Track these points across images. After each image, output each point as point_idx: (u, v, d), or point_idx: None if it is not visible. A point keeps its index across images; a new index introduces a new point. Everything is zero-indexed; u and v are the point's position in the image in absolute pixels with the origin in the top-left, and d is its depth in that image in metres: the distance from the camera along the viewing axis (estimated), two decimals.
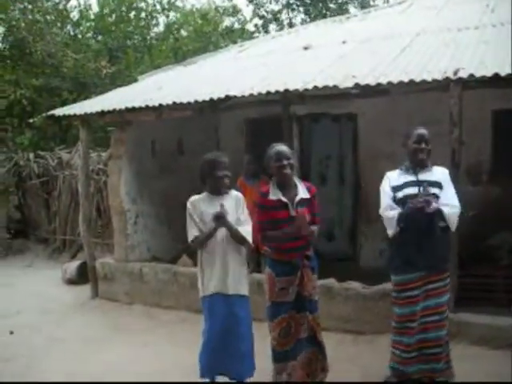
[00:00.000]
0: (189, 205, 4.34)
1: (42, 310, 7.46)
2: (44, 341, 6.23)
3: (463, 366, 4.68)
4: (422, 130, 4.33)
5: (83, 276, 8.58)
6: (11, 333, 6.46)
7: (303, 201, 4.19)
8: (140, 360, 5.49)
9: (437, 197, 4.17)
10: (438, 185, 4.24)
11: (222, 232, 4.26)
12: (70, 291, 8.51)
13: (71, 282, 8.88)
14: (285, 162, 4.13)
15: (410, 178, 4.30)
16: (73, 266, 9.08)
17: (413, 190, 4.21)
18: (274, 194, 4.19)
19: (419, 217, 4.10)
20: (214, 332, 4.26)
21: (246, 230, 4.32)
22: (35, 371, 5.34)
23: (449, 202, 4.20)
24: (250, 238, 4.32)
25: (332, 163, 9.31)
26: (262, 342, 4.46)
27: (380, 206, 4.37)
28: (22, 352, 5.86)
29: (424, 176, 4.26)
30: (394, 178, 4.38)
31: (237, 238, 4.28)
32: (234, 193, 4.47)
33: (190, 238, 4.32)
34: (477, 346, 5.21)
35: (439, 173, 4.34)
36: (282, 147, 4.24)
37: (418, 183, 4.23)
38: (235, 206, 4.38)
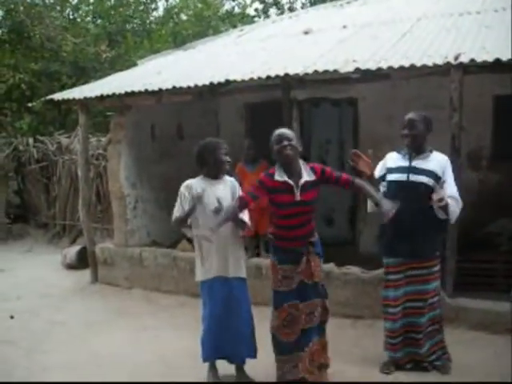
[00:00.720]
0: (183, 187, 4.38)
1: (41, 295, 7.48)
2: (44, 325, 6.25)
3: (461, 350, 4.73)
4: (410, 115, 4.30)
5: (83, 261, 8.60)
6: (11, 317, 6.49)
7: (308, 183, 4.06)
8: (140, 343, 5.52)
9: (426, 186, 4.14)
10: (431, 174, 4.18)
11: (219, 215, 4.25)
12: (69, 276, 8.53)
13: (71, 266, 8.90)
14: (285, 143, 4.01)
15: (404, 163, 4.29)
16: (72, 250, 9.10)
17: (401, 177, 4.23)
18: (280, 176, 4.07)
19: (402, 203, 4.07)
20: (214, 316, 4.28)
21: (244, 216, 4.35)
22: (37, 353, 5.37)
23: (450, 194, 4.14)
24: (247, 221, 4.38)
25: (332, 148, 9.29)
26: (260, 325, 4.47)
27: None
28: (23, 335, 5.89)
29: (418, 163, 4.24)
30: (391, 159, 4.41)
31: (238, 224, 4.32)
32: (228, 179, 4.50)
33: (175, 215, 4.37)
34: (475, 330, 5.25)
35: (436, 161, 4.26)
36: (284, 130, 4.17)
37: (408, 170, 4.23)
38: (231, 191, 4.41)
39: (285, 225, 4.14)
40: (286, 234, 4.16)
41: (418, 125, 4.23)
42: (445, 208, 4.09)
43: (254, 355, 4.38)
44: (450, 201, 4.09)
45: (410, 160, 4.27)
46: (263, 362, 4.42)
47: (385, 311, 4.42)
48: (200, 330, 4.44)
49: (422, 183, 4.17)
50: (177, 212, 4.35)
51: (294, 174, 4.08)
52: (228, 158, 4.40)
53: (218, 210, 4.24)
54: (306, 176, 4.08)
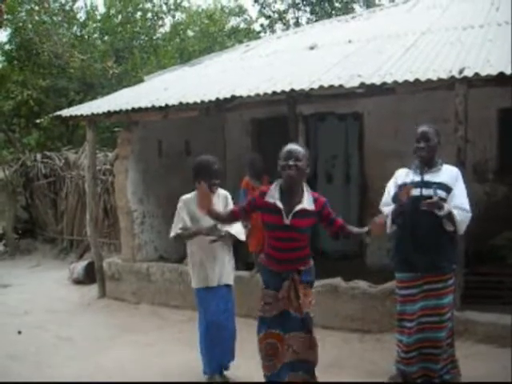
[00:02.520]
0: (180, 202, 4.63)
1: (49, 310, 7.50)
2: (52, 340, 6.27)
3: (469, 364, 4.70)
4: (423, 128, 4.28)
5: (90, 276, 8.62)
6: (19, 332, 6.50)
7: (304, 212, 3.79)
8: (147, 358, 5.52)
9: (442, 199, 4.10)
10: (445, 187, 4.16)
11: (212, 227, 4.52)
12: (77, 291, 8.55)
13: (78, 281, 8.92)
14: (291, 163, 3.71)
15: (416, 178, 4.25)
16: (80, 265, 9.12)
17: (415, 192, 4.16)
18: (271, 197, 3.83)
19: (418, 217, 4.08)
20: (209, 322, 4.54)
21: (237, 230, 4.61)
22: (43, 369, 5.38)
23: (459, 206, 4.12)
24: (242, 236, 4.67)
25: (338, 162, 9.30)
26: None
27: None
28: (31, 350, 5.90)
29: (430, 177, 4.21)
30: (402, 176, 4.36)
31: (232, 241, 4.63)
32: (221, 192, 4.70)
33: (172, 233, 4.65)
34: (483, 344, 5.22)
35: (447, 173, 4.24)
36: (295, 146, 3.87)
37: (421, 184, 4.19)
38: (223, 204, 4.62)
39: (273, 245, 3.93)
40: (273, 254, 3.94)
41: (432, 137, 4.23)
42: (450, 218, 4.08)
43: (232, 358, 4.72)
44: (456, 211, 4.08)
45: (422, 174, 4.24)
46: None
47: (400, 325, 4.35)
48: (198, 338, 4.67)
49: (439, 197, 4.13)
50: (175, 227, 4.63)
51: (293, 196, 3.83)
52: (216, 181, 4.60)
53: (211, 230, 4.52)
54: (305, 203, 3.81)
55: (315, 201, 3.86)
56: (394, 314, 5.42)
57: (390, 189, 4.39)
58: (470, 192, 4.31)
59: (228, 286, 4.68)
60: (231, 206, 4.62)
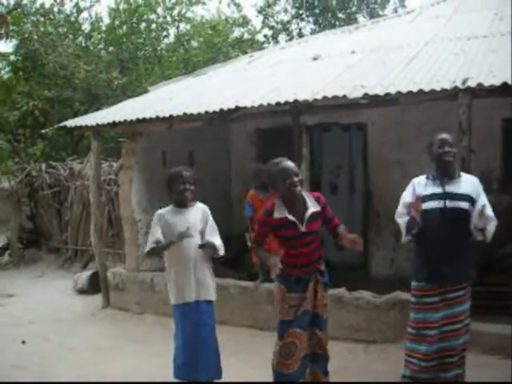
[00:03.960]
0: (155, 216, 4.51)
1: (53, 320, 7.51)
2: (56, 350, 6.27)
3: (475, 375, 4.66)
4: (445, 135, 4.19)
5: (95, 286, 8.62)
6: (23, 342, 6.51)
7: (314, 214, 4.04)
8: (151, 369, 5.51)
9: (464, 210, 4.05)
10: (467, 197, 4.09)
11: (190, 243, 4.36)
12: (81, 301, 8.55)
13: (83, 291, 8.93)
14: (295, 179, 3.94)
15: (437, 189, 4.14)
16: (84, 275, 9.13)
17: (437, 204, 4.09)
18: (280, 212, 4.01)
19: (443, 227, 4.04)
20: (186, 338, 4.40)
21: (219, 243, 4.47)
22: (47, 379, 5.38)
23: (490, 216, 4.06)
24: (222, 252, 4.48)
25: (342, 172, 9.32)
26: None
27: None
28: (35, 360, 5.91)
29: (451, 188, 4.12)
30: (420, 187, 4.22)
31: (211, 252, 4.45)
32: (199, 205, 4.58)
33: (147, 247, 4.46)
34: (488, 355, 5.20)
35: (468, 184, 4.17)
36: (288, 163, 4.05)
37: (443, 196, 4.10)
38: (201, 217, 4.49)
39: (294, 254, 4.08)
40: (295, 262, 4.08)
41: (454, 143, 4.18)
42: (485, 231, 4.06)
43: (219, 376, 4.48)
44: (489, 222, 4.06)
45: (443, 185, 4.15)
46: None
47: (418, 334, 4.23)
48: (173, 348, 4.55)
49: (460, 209, 4.08)
50: (151, 244, 4.44)
51: (298, 205, 4.04)
52: (190, 186, 4.44)
53: (181, 236, 4.34)
54: (312, 207, 4.05)
55: (317, 201, 4.12)
56: (398, 324, 5.44)
57: (405, 199, 4.25)
58: None
59: (209, 301, 4.47)
60: (211, 220, 4.51)
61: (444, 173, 4.16)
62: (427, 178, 4.24)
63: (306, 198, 4.08)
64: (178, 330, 4.46)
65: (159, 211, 4.56)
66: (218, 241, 4.46)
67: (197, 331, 4.34)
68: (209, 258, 4.49)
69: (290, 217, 3.99)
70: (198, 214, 4.50)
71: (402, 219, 4.22)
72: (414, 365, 4.27)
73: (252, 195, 6.87)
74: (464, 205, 4.07)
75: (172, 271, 4.46)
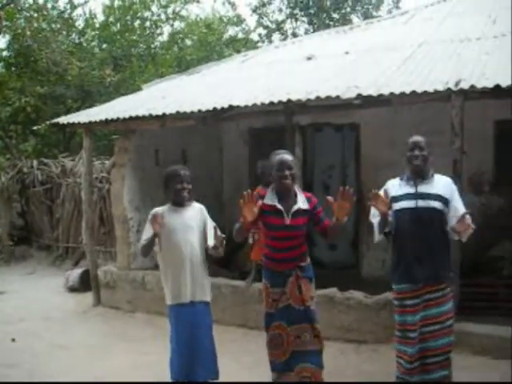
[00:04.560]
0: (150, 214, 4.37)
1: (44, 318, 7.48)
2: (46, 348, 6.25)
3: (465, 376, 4.69)
4: (416, 138, 4.24)
5: (85, 283, 8.60)
6: (13, 340, 6.48)
7: (300, 211, 4.12)
8: (141, 368, 5.50)
9: (436, 210, 4.09)
10: (439, 197, 4.13)
11: (186, 242, 4.29)
12: (72, 299, 8.53)
13: (73, 289, 8.90)
14: (286, 173, 4.05)
15: (410, 189, 4.21)
16: (75, 273, 9.11)
17: (409, 204, 4.15)
18: (270, 200, 4.14)
19: (418, 228, 4.07)
20: (180, 340, 4.31)
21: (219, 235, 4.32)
22: (38, 377, 5.36)
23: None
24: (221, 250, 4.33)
25: (335, 172, 9.33)
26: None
27: None
28: (25, 358, 5.88)
29: (424, 188, 4.17)
30: (394, 187, 4.30)
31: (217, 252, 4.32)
32: (196, 205, 4.49)
33: (140, 244, 4.41)
34: (478, 355, 5.23)
35: (441, 184, 4.21)
36: (286, 156, 4.16)
37: (415, 196, 4.15)
38: (199, 217, 4.41)
39: (274, 246, 4.21)
40: (275, 256, 4.22)
41: (425, 146, 4.19)
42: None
43: (216, 377, 4.39)
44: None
45: (416, 186, 4.20)
46: None
47: (403, 336, 4.26)
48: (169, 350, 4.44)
49: (432, 208, 4.12)
50: (143, 240, 4.37)
51: (289, 198, 4.15)
52: (187, 186, 4.36)
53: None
54: (301, 203, 4.14)
55: (309, 200, 4.19)
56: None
57: None
58: (466, 203, 4.31)
59: (204, 302, 4.39)
60: (208, 219, 4.42)
61: (414, 173, 4.22)
62: (401, 179, 4.32)
63: (298, 193, 4.19)
64: (173, 331, 4.39)
65: (154, 210, 4.46)
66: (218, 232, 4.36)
67: (192, 332, 4.28)
68: (205, 258, 4.41)
69: (279, 206, 4.10)
70: (196, 214, 4.42)
71: (375, 219, 4.28)
72: (402, 366, 4.30)
73: (260, 191, 6.92)
74: (436, 204, 4.11)
75: (168, 271, 4.39)
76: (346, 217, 4.04)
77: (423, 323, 4.19)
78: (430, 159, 4.21)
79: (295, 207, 4.11)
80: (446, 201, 4.15)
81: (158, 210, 4.43)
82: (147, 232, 4.35)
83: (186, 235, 4.30)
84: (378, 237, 4.32)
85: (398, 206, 4.20)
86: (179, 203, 4.40)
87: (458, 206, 4.13)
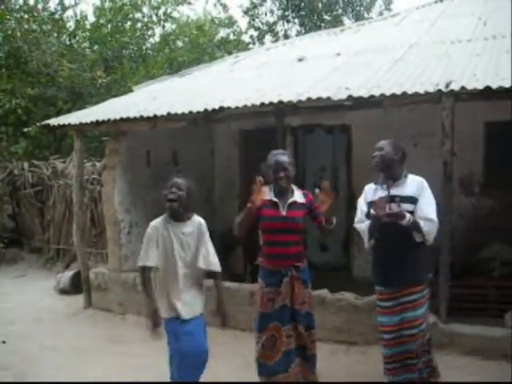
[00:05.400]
0: (150, 229, 4.11)
1: (34, 320, 7.44)
2: (37, 350, 6.22)
3: (455, 376, 4.71)
4: (379, 142, 4.34)
5: (77, 286, 8.56)
6: (3, 342, 6.45)
7: (296, 204, 4.25)
8: (131, 370, 5.49)
9: (410, 212, 4.07)
10: (411, 199, 4.14)
11: (181, 259, 4.07)
12: (63, 301, 8.48)
13: (64, 291, 8.85)
14: (281, 174, 4.19)
15: (383, 193, 4.22)
16: (66, 275, 9.06)
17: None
18: (267, 195, 4.25)
19: (391, 230, 4.07)
20: (180, 355, 4.11)
21: (213, 262, 4.15)
22: (28, 379, 5.34)
23: (425, 216, 4.08)
24: (218, 267, 4.19)
25: (326, 174, 9.35)
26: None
27: None
28: (15, 361, 5.85)
29: (396, 191, 4.18)
30: (370, 192, 4.36)
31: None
32: (197, 220, 4.18)
33: (145, 262, 4.08)
34: (468, 356, 5.24)
35: (413, 185, 4.21)
36: (281, 157, 4.27)
37: (388, 199, 4.13)
38: (197, 234, 4.12)
39: (270, 240, 4.26)
40: (271, 251, 4.27)
41: (385, 147, 4.26)
42: (417, 229, 4.07)
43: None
44: (422, 222, 4.06)
45: (388, 189, 4.22)
46: None
47: (381, 337, 4.36)
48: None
49: (406, 211, 4.09)
50: (145, 259, 4.08)
51: (286, 194, 4.28)
52: (172, 190, 4.02)
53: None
54: (297, 197, 4.29)
55: (305, 196, 4.36)
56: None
57: (362, 206, 4.39)
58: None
59: (198, 316, 4.18)
60: (206, 235, 4.15)
61: (388, 176, 4.26)
62: (375, 183, 4.37)
63: (295, 190, 4.34)
64: (172, 345, 4.16)
65: (153, 223, 4.13)
66: (213, 260, 4.16)
67: (189, 347, 4.05)
68: (201, 276, 4.21)
69: (275, 199, 4.25)
70: (194, 229, 4.12)
71: (363, 224, 4.30)
72: (384, 367, 4.34)
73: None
74: (407, 206, 4.11)
75: (162, 288, 4.15)
76: (327, 209, 4.15)
77: (401, 327, 4.19)
78: (396, 158, 4.24)
79: (291, 200, 4.25)
80: (416, 201, 4.15)
81: (156, 223, 4.13)
82: (148, 254, 4.05)
83: (181, 253, 4.07)
84: (369, 243, 4.33)
85: (372, 210, 4.19)
86: (174, 216, 4.10)
87: (424, 207, 4.11)
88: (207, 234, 4.19)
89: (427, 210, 4.11)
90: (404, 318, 4.18)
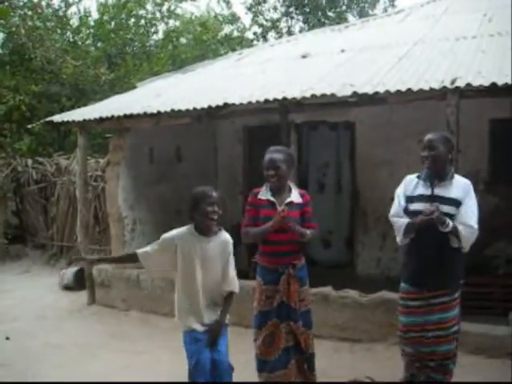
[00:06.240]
0: (169, 238, 3.91)
1: (38, 316, 7.45)
2: (40, 347, 6.21)
3: (460, 374, 4.67)
4: (429, 136, 4.01)
5: (80, 282, 8.57)
6: (7, 338, 6.45)
7: (293, 204, 4.22)
8: (136, 367, 5.48)
9: (450, 216, 3.88)
10: (454, 202, 3.92)
11: (205, 277, 3.86)
12: (66, 297, 8.49)
13: (68, 288, 8.86)
14: (271, 172, 4.17)
15: (425, 191, 4.00)
16: (70, 272, 9.07)
17: (423, 206, 3.92)
18: (264, 195, 4.27)
19: (430, 233, 3.89)
20: (202, 369, 3.87)
21: (235, 283, 3.98)
22: (32, 376, 5.32)
23: (466, 222, 3.88)
24: (237, 289, 4.01)
25: (329, 171, 9.33)
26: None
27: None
28: (19, 357, 5.84)
29: (440, 191, 3.96)
30: (411, 186, 4.10)
31: None
32: (222, 236, 3.94)
33: (150, 268, 4.04)
34: (473, 355, 5.22)
35: (459, 187, 3.98)
36: (274, 155, 4.22)
37: (430, 199, 3.93)
38: (221, 250, 3.90)
39: (268, 239, 4.22)
40: (268, 250, 4.26)
41: (438, 145, 3.95)
42: (456, 234, 3.89)
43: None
44: (461, 227, 3.87)
45: (432, 188, 3.99)
46: None
47: (406, 336, 4.16)
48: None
49: (445, 214, 3.87)
50: (152, 266, 4.00)
51: (282, 194, 4.27)
52: (215, 209, 3.79)
53: None
54: (294, 197, 4.26)
55: (302, 196, 4.32)
56: (384, 323, 5.47)
57: (400, 199, 4.11)
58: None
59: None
60: (231, 255, 3.95)
61: (434, 174, 4.01)
62: (418, 176, 4.11)
63: (292, 189, 4.31)
64: (192, 361, 3.91)
65: (176, 234, 3.91)
66: (235, 279, 3.97)
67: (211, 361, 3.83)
68: (221, 295, 3.96)
69: (272, 198, 4.24)
70: (218, 246, 3.89)
71: (401, 220, 4.05)
72: (409, 365, 4.20)
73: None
74: (449, 209, 3.89)
75: (183, 296, 3.94)
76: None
77: (425, 328, 4.05)
78: (449, 158, 3.99)
79: (287, 200, 4.23)
80: (459, 204, 3.94)
81: (179, 234, 3.91)
82: (156, 252, 3.92)
83: (205, 270, 3.85)
84: (403, 240, 4.09)
85: (412, 207, 4.02)
86: (201, 230, 3.87)
87: (468, 213, 3.91)
88: (232, 254, 3.98)
89: (468, 215, 3.91)
90: (429, 320, 4.03)
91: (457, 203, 3.93)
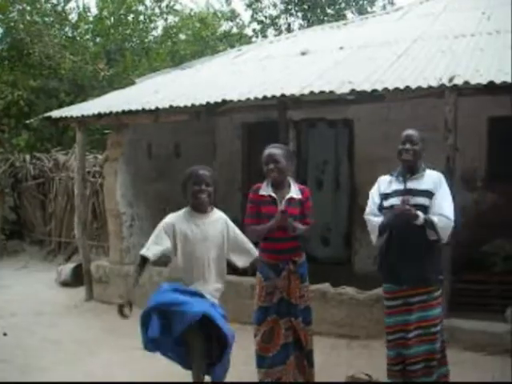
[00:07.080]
0: (168, 219, 3.97)
1: (36, 312, 7.45)
2: (38, 342, 6.22)
3: (457, 371, 4.68)
4: (409, 131, 4.12)
5: (78, 278, 8.57)
6: (5, 334, 6.45)
7: (293, 200, 4.24)
8: (133, 363, 5.48)
9: (424, 207, 3.94)
10: (427, 193, 3.99)
11: (203, 254, 3.92)
12: (64, 293, 8.50)
13: (66, 284, 8.87)
14: (271, 166, 4.18)
15: (399, 186, 4.08)
16: (68, 268, 9.07)
17: (397, 201, 3.98)
18: (265, 191, 4.27)
19: (405, 228, 3.92)
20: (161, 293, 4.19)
21: (250, 247, 4.15)
22: (30, 372, 5.32)
23: (440, 212, 3.93)
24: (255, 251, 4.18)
25: (328, 168, 9.33)
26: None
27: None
28: (17, 353, 5.84)
29: (413, 184, 4.04)
30: (384, 184, 4.20)
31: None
32: (219, 215, 4.07)
33: (145, 252, 3.98)
34: (470, 351, 5.24)
35: (431, 180, 4.06)
36: (272, 150, 4.25)
37: (404, 192, 4.00)
38: (221, 228, 4.00)
39: (269, 236, 4.24)
40: (271, 247, 4.26)
41: (418, 141, 4.07)
42: (431, 226, 3.92)
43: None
44: (436, 218, 3.91)
45: (405, 182, 4.08)
46: None
47: (387, 339, 4.20)
48: None
49: (419, 205, 3.94)
50: (152, 247, 3.94)
51: (282, 189, 4.28)
52: (205, 188, 3.90)
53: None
54: (294, 193, 4.28)
55: (301, 191, 4.34)
56: (381, 320, 5.45)
57: (374, 197, 4.20)
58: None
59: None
60: (235, 229, 4.09)
61: (404, 168, 4.12)
62: (391, 175, 4.23)
63: (292, 185, 4.32)
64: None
65: (171, 218, 3.97)
66: (249, 245, 4.13)
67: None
68: (223, 274, 4.09)
69: (273, 194, 4.25)
70: (217, 224, 4.00)
71: (375, 219, 4.11)
72: (389, 368, 4.20)
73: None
74: (423, 201, 3.97)
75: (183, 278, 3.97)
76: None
77: (405, 328, 4.05)
78: (423, 154, 4.11)
79: (287, 196, 4.24)
80: (432, 196, 4.01)
81: (173, 218, 3.97)
82: (159, 242, 3.92)
83: (204, 247, 3.92)
84: (378, 239, 4.14)
85: (387, 203, 4.09)
86: (198, 208, 3.97)
87: (442, 204, 3.96)
88: (236, 227, 4.13)
89: (442, 205, 3.96)
90: (408, 320, 4.03)
91: (429, 194, 4.02)
